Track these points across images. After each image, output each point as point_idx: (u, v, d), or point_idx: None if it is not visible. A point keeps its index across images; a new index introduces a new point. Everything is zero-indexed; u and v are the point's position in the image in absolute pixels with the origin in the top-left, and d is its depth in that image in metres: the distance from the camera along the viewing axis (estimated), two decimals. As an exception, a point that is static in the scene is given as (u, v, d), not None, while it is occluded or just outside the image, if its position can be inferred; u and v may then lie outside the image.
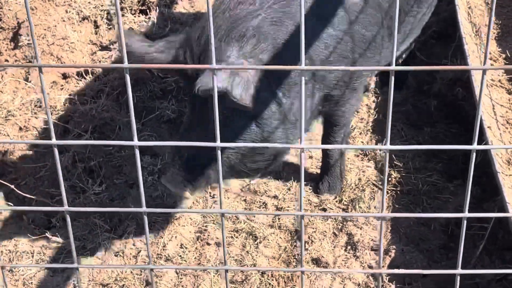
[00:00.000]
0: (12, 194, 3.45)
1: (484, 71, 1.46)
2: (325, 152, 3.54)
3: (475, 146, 1.50)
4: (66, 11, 4.44)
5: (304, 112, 1.47)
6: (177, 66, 2.91)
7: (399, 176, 3.48)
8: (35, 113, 3.78)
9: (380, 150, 3.56)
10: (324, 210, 3.36)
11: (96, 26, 4.45)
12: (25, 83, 3.85)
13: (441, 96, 3.88)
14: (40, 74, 1.49)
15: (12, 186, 3.31)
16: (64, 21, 4.38)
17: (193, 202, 3.44)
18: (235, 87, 2.69)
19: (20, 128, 3.73)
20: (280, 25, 2.91)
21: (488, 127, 3.22)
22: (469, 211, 1.47)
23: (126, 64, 1.35)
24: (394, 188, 3.41)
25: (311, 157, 3.77)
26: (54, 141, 1.55)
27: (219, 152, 1.40)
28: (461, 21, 3.83)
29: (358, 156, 3.68)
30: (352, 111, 3.43)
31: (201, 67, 2.53)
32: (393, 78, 1.43)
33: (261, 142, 2.99)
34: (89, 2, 4.52)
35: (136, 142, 1.57)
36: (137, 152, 1.62)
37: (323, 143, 3.50)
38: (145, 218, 1.62)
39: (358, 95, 3.31)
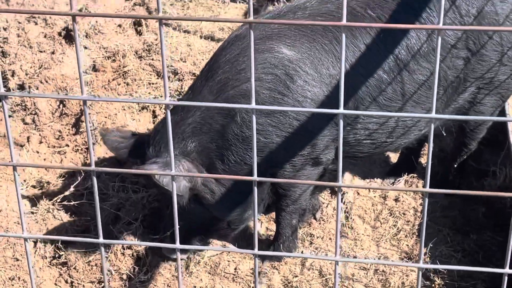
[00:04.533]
0: (61, 278, 3.56)
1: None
2: (277, 224, 3.85)
3: (506, 270, 1.53)
4: None
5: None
6: (137, 172, 3.36)
7: (442, 283, 3.46)
8: (89, 199, 3.93)
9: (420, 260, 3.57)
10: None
11: (154, 116, 4.65)
12: (81, 174, 4.03)
13: (490, 203, 3.87)
14: (93, 177, 1.61)
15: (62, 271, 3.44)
16: (124, 109, 4.60)
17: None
18: (164, 176, 3.21)
19: (74, 213, 3.87)
20: (200, 132, 3.47)
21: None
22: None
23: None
24: (438, 296, 3.38)
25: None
26: (101, 240, 1.65)
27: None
28: (511, 130, 3.85)
29: (402, 259, 3.67)
30: (303, 187, 3.74)
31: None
32: (426, 200, 1.49)
33: (210, 222, 3.64)
34: (149, 93, 4.75)
35: (178, 245, 1.66)
36: (178, 254, 1.71)
37: (276, 215, 3.84)
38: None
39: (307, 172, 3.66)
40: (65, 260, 3.59)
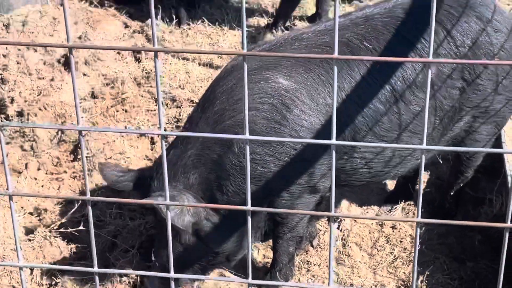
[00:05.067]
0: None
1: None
2: (274, 252, 3.85)
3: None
4: (125, 127, 4.70)
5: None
6: (136, 201, 3.56)
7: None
8: (86, 226, 3.88)
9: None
10: None
11: (153, 143, 4.72)
12: (78, 201, 4.05)
13: (486, 231, 3.88)
14: (89, 207, 1.62)
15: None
16: (122, 136, 4.64)
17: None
18: (170, 211, 3.09)
19: (71, 240, 3.88)
20: (199, 163, 3.48)
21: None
22: None
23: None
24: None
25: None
26: (95, 269, 1.66)
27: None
28: (507, 159, 3.90)
29: (399, 287, 3.69)
30: (300, 216, 3.73)
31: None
32: (418, 230, 1.52)
33: (209, 256, 3.61)
34: (147, 120, 4.81)
35: (172, 274, 1.67)
36: (173, 284, 1.72)
37: (273, 243, 3.84)
38: None
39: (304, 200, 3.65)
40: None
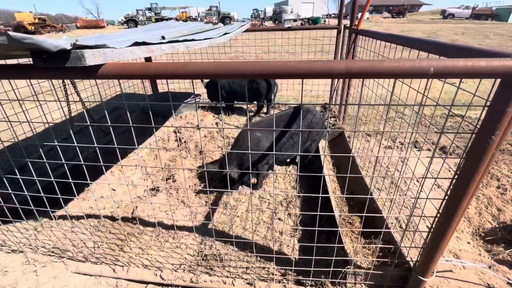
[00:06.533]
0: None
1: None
2: (256, 181, 3.85)
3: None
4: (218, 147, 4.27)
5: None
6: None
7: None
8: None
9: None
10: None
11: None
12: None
13: (315, 173, 3.88)
14: (206, 171, 1.72)
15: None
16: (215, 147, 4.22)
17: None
18: (232, 174, 3.48)
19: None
20: (235, 159, 3.60)
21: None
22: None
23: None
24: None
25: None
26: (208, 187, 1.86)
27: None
28: (323, 157, 3.92)
29: (289, 187, 3.69)
30: (261, 176, 3.81)
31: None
32: (298, 177, 2.20)
33: (240, 182, 3.64)
34: (225, 144, 4.43)
35: (229, 190, 2.02)
36: (230, 193, 1.89)
37: (256, 179, 3.82)
38: None
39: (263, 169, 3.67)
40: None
